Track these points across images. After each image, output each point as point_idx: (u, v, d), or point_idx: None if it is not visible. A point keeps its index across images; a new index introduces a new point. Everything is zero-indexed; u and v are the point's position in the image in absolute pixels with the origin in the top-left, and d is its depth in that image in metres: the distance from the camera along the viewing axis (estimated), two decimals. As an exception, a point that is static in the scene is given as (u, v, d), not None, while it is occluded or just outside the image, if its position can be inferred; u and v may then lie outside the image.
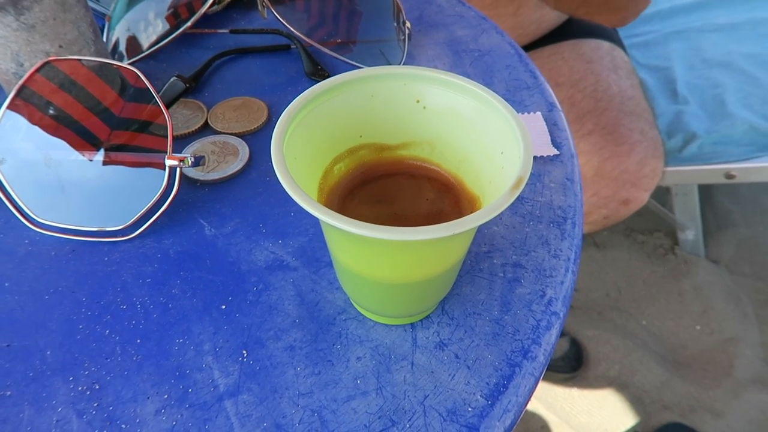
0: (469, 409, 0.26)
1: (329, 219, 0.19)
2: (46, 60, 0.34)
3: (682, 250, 1.25)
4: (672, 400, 1.02)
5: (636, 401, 1.03)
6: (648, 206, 0.88)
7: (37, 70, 0.34)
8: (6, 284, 0.31)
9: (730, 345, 1.10)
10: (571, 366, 1.07)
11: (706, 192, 1.32)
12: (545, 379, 1.05)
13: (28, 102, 0.35)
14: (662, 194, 1.20)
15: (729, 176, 0.91)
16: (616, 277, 1.22)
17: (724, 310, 1.15)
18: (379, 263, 0.23)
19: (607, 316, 1.15)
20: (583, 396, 1.04)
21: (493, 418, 0.26)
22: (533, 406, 1.02)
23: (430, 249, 0.23)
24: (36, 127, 0.35)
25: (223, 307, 0.30)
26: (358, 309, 0.30)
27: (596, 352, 1.09)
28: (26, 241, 0.34)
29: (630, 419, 1.00)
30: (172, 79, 0.39)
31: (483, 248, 0.33)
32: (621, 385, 1.05)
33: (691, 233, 1.22)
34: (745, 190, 1.37)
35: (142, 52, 0.47)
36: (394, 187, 0.28)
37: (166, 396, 0.27)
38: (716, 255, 1.26)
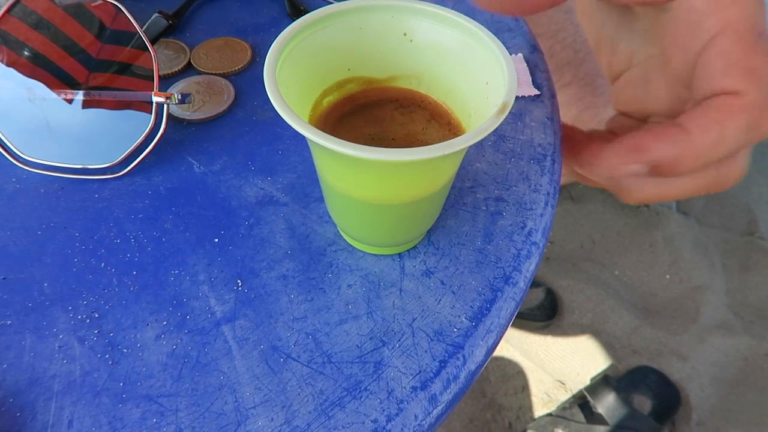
0: (455, 329, 0.28)
1: (322, 141, 0.20)
2: (22, -4, 0.34)
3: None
4: (641, 345, 1.07)
5: (607, 347, 1.07)
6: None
7: (9, 10, 0.34)
8: (-3, 221, 0.31)
9: (697, 293, 1.14)
10: (547, 315, 1.11)
11: (679, 146, 1.34)
12: (521, 327, 1.09)
13: (5, 45, 0.34)
14: (637, 148, 1.22)
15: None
16: (590, 229, 1.25)
17: (693, 260, 1.19)
18: (370, 184, 0.24)
19: (581, 267, 1.18)
20: (557, 343, 1.08)
21: (477, 338, 0.27)
22: (510, 353, 1.06)
23: (419, 170, 0.24)
24: (15, 71, 0.34)
25: (216, 240, 0.31)
26: (348, 240, 0.31)
27: (570, 301, 1.13)
28: (13, 179, 0.34)
29: (601, 363, 1.05)
30: (154, 16, 0.39)
31: (467, 183, 0.34)
32: (593, 332, 1.09)
33: (663, 186, 1.25)
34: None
35: (120, -8, 0.46)
36: (383, 114, 0.28)
37: (165, 323, 0.27)
38: (686, 207, 1.29)
